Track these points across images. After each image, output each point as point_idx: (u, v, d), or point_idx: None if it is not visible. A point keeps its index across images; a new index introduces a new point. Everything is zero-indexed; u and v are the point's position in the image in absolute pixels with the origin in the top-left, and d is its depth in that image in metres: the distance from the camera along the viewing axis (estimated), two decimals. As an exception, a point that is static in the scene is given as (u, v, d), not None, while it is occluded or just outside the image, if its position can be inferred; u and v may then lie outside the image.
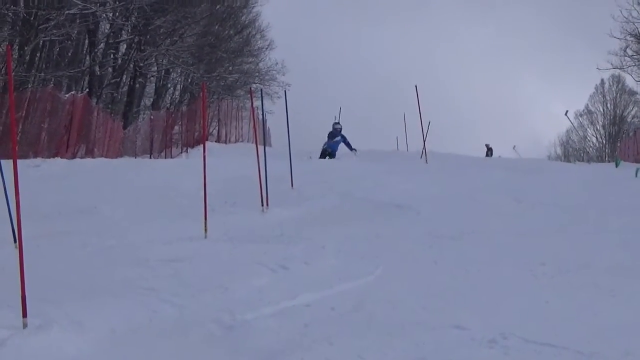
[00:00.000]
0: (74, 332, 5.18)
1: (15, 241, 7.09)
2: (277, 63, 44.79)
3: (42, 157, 19.25)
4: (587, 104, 64.27)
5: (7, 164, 7.11)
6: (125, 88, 36.21)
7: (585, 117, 63.94)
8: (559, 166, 21.68)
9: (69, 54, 31.98)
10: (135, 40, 33.66)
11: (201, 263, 7.71)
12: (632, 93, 54.97)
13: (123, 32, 34.01)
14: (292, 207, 11.65)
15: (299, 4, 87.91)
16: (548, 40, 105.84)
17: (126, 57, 34.29)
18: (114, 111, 32.87)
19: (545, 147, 65.82)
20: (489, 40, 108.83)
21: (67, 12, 25.38)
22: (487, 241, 8.91)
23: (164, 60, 37.18)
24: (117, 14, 31.78)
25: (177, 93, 43.38)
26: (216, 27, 40.78)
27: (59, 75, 28.30)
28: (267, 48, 46.13)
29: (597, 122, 63.56)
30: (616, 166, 21.48)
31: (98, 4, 27.49)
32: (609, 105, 63.01)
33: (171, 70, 39.65)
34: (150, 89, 40.50)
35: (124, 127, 29.95)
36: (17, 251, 5.39)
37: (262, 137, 14.92)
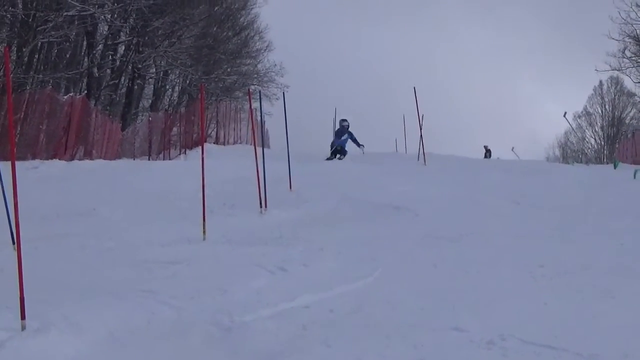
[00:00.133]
0: (72, 334, 5.17)
1: (13, 243, 7.09)
2: (275, 65, 44.77)
3: (41, 159, 19.23)
4: (586, 106, 64.33)
5: (5, 166, 7.10)
6: (124, 90, 36.18)
7: (583, 118, 63.99)
8: (557, 168, 21.67)
9: (67, 56, 31.92)
10: (134, 42, 33.62)
11: (200, 265, 7.71)
12: (631, 95, 54.92)
13: (121, 33, 33.96)
14: (290, 209, 11.65)
15: (298, 6, 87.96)
16: (546, 41, 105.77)
17: (124, 59, 34.25)
18: (113, 113, 32.82)
19: (544, 149, 65.92)
20: (488, 41, 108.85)
21: (65, 13, 25.33)
22: (485, 243, 8.92)
23: (163, 62, 37.14)
24: (115, 15, 31.73)
25: (175, 95, 43.34)
26: (214, 29, 40.76)
27: (58, 77, 28.25)
28: (265, 50, 46.11)
29: (596, 123, 63.61)
30: (614, 168, 21.50)
31: (96, 6, 27.44)
32: (607, 106, 63.04)
33: (169, 71, 39.60)
34: (148, 90, 40.46)
35: (123, 129, 29.89)
36: (15, 253, 5.38)
37: (260, 139, 14.92)
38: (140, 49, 33.73)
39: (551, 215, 10.93)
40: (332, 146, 23.84)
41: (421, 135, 21.12)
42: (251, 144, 19.63)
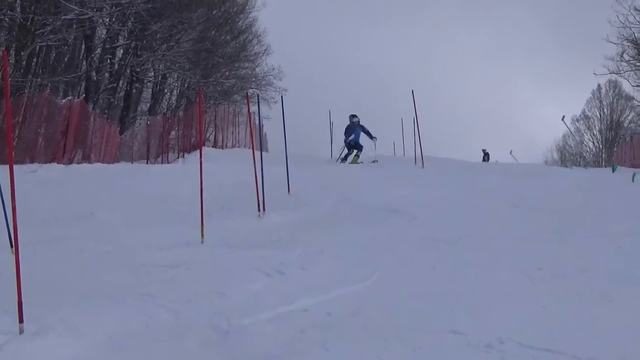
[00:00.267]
0: (70, 338, 5.17)
1: (12, 246, 7.08)
2: (273, 68, 44.80)
3: (39, 163, 19.24)
4: (584, 109, 64.42)
5: (3, 170, 7.10)
6: (122, 93, 36.17)
7: (582, 122, 64.08)
8: (555, 171, 21.67)
9: (66, 59, 31.94)
10: (132, 46, 33.62)
11: (198, 269, 7.71)
12: (629, 98, 54.99)
13: (120, 37, 33.97)
14: (288, 212, 11.65)
15: (296, 9, 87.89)
16: (545, 44, 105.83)
17: (123, 63, 34.26)
18: (111, 116, 32.82)
19: (542, 152, 65.98)
20: (486, 44, 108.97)
21: (63, 17, 25.32)
22: (484, 246, 8.92)
23: (161, 66, 37.14)
24: (113, 19, 31.74)
25: (173, 98, 43.34)
26: (213, 33, 40.76)
27: (56, 81, 28.26)
28: (263, 53, 46.11)
29: (594, 127, 63.69)
30: (613, 171, 21.51)
31: (94, 9, 27.42)
32: (605, 110, 63.14)
33: (168, 75, 39.61)
34: (147, 94, 40.47)
35: (121, 133, 29.89)
36: (13, 257, 5.38)
37: (259, 142, 14.93)
38: (139, 53, 33.74)
39: (549, 219, 10.93)
40: (346, 143, 23.65)
41: (419, 138, 21.13)
42: (249, 148, 19.65)
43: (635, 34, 36.30)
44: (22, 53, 24.82)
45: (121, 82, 35.45)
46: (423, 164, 20.19)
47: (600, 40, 37.76)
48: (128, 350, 5.21)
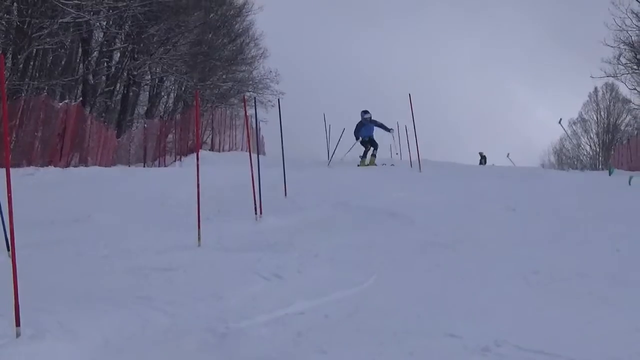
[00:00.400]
0: (67, 341, 5.16)
1: (8, 250, 7.08)
2: (270, 71, 44.92)
3: (36, 166, 19.26)
4: (581, 112, 64.67)
5: (0, 173, 7.11)
6: (119, 96, 36.20)
7: (579, 125, 64.31)
8: (552, 174, 21.67)
9: (63, 63, 31.95)
10: (129, 49, 33.66)
11: (195, 272, 7.70)
12: (626, 101, 55.11)
13: (117, 40, 34.00)
14: (285, 215, 11.64)
15: (293, 12, 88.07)
16: (542, 47, 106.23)
17: (120, 66, 34.28)
18: (108, 120, 32.87)
19: (539, 155, 66.12)
20: (483, 47, 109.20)
21: (60, 20, 25.34)
22: (481, 249, 8.91)
23: (158, 69, 37.19)
24: (110, 22, 31.77)
25: (170, 101, 43.41)
26: (210, 36, 40.84)
27: (53, 84, 28.27)
28: (260, 56, 46.27)
29: (591, 130, 63.93)
30: (610, 174, 21.53)
31: (91, 13, 27.44)
32: (602, 113, 63.32)
33: (165, 78, 39.66)
34: (143, 97, 40.51)
35: (118, 136, 29.94)
36: (10, 260, 5.38)
37: (255, 145, 14.92)
38: (136, 56, 33.78)
39: (546, 222, 10.92)
40: (359, 140, 23.29)
41: (416, 142, 21.10)
42: (246, 151, 19.63)
43: (632, 37, 36.41)
44: (19, 56, 24.83)
45: (118, 85, 35.50)
46: (420, 168, 20.17)
47: (597, 43, 37.91)
48: (125, 354, 5.21)
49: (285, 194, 13.61)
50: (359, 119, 23.60)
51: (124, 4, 28.27)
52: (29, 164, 19.59)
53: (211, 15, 40.25)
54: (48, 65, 30.36)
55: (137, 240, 9.41)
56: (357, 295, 6.77)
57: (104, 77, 33.79)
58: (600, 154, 61.11)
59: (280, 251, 8.79)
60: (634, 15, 35.55)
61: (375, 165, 22.67)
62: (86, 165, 22.75)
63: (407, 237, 9.82)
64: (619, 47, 37.28)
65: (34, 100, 22.18)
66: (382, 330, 5.60)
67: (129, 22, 32.62)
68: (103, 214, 11.44)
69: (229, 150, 37.91)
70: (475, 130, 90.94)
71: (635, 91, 40.51)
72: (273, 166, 14.37)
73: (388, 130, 23.26)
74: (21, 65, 25.97)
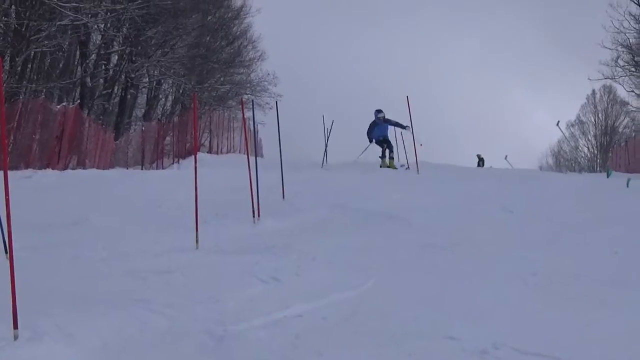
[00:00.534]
0: (65, 344, 5.16)
1: (6, 252, 7.06)
2: (268, 74, 44.88)
3: (34, 168, 19.25)
4: (579, 114, 64.67)
5: (-2, 175, 7.10)
6: (117, 99, 36.20)
7: (576, 127, 64.30)
8: (550, 176, 21.66)
9: (61, 65, 31.95)
10: (127, 52, 33.65)
11: (193, 274, 7.69)
12: (624, 103, 55.17)
13: (114, 43, 33.99)
14: (283, 218, 11.63)
15: (292, 14, 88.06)
16: (540, 50, 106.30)
17: (117, 68, 34.27)
18: (106, 122, 32.82)
19: (537, 158, 66.11)
20: (480, 49, 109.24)
21: (58, 23, 25.32)
22: (479, 251, 8.91)
23: (156, 71, 37.20)
24: (108, 25, 31.77)
25: (168, 104, 43.41)
26: (207, 38, 40.84)
27: (51, 87, 28.25)
28: (258, 59, 46.24)
29: (589, 132, 63.92)
30: (607, 176, 21.51)
31: (89, 15, 27.43)
32: (600, 115, 63.36)
33: (162, 81, 39.66)
34: (141, 100, 40.52)
35: (116, 138, 29.92)
36: (7, 262, 5.37)
37: (253, 148, 14.92)
38: (134, 59, 33.77)
39: (544, 224, 10.92)
40: (372, 142, 22.92)
41: (414, 144, 21.06)
42: (244, 153, 19.62)
43: (630, 39, 36.47)
44: (17, 59, 24.82)
45: (116, 88, 35.50)
46: (418, 170, 20.13)
47: (595, 45, 37.98)
48: (123, 356, 5.20)
49: (283, 197, 13.61)
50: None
51: (122, 6, 28.31)
52: (27, 166, 19.57)
53: (209, 17, 40.25)
54: (46, 67, 30.37)
55: (135, 242, 9.39)
56: (355, 297, 6.77)
57: (101, 80, 33.77)
58: (598, 156, 61.13)
59: (278, 254, 8.77)
60: (632, 18, 35.68)
61: (395, 168, 22.33)
62: (84, 168, 22.75)
63: (405, 239, 9.82)
64: (617, 50, 37.40)
65: (32, 102, 22.17)
66: (380, 333, 5.60)
67: (127, 25, 32.62)
68: (101, 216, 11.43)
69: (226, 153, 37.88)
70: (473, 132, 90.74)
71: (633, 93, 40.64)
72: (271, 168, 14.36)
73: (404, 127, 22.49)
74: (19, 68, 25.95)
